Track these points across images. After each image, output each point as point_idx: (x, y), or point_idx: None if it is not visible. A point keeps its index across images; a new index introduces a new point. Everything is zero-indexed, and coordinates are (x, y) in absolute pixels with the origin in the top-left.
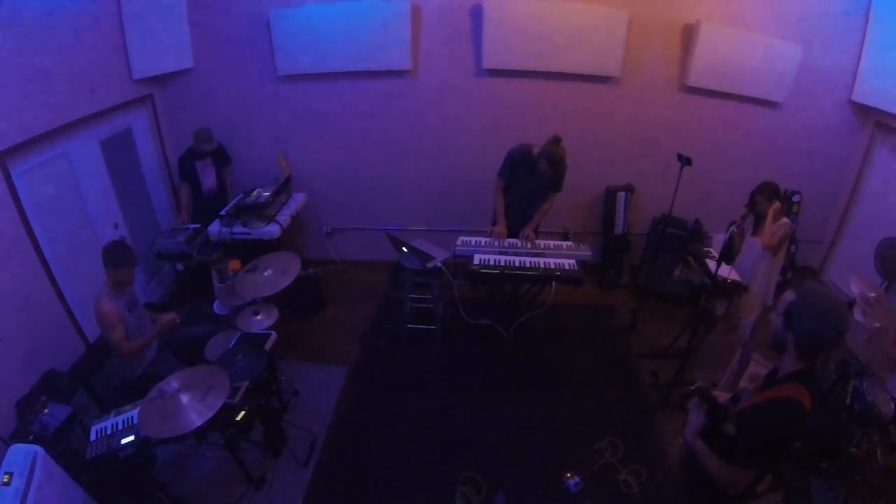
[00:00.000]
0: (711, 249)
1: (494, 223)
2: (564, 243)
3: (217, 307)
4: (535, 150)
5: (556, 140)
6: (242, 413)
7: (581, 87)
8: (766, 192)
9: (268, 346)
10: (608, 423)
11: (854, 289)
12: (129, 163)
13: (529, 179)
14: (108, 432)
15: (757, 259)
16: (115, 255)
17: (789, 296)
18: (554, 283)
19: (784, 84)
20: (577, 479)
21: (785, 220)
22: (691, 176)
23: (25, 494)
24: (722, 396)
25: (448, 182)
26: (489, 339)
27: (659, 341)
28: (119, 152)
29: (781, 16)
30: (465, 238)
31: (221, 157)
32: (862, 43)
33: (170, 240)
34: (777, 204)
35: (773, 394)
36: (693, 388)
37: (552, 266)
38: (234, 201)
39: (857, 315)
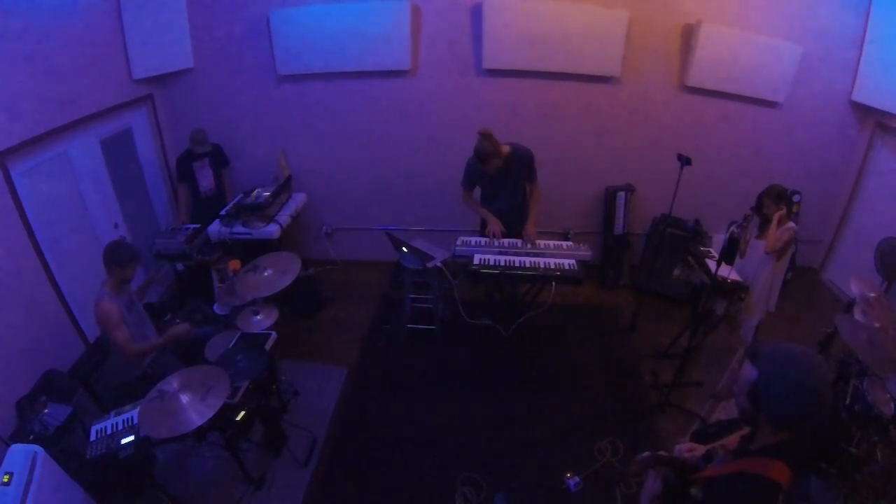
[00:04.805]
0: (711, 249)
1: (484, 226)
2: (564, 243)
3: (217, 307)
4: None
5: (482, 135)
6: (242, 413)
7: (581, 87)
8: (773, 194)
9: (268, 346)
10: (608, 422)
11: (854, 289)
12: (129, 163)
13: (497, 180)
14: (108, 432)
15: (761, 262)
16: (119, 254)
17: (750, 372)
18: (554, 283)
19: (784, 84)
20: (577, 479)
21: (790, 224)
22: (691, 176)
23: (25, 494)
24: (698, 450)
25: (448, 182)
26: (489, 339)
27: (659, 341)
28: (119, 152)
29: (781, 16)
30: (465, 238)
31: (219, 159)
32: (862, 43)
33: (170, 240)
34: (783, 209)
35: (744, 467)
36: (642, 457)
37: (552, 266)
38: (234, 201)
39: (858, 315)
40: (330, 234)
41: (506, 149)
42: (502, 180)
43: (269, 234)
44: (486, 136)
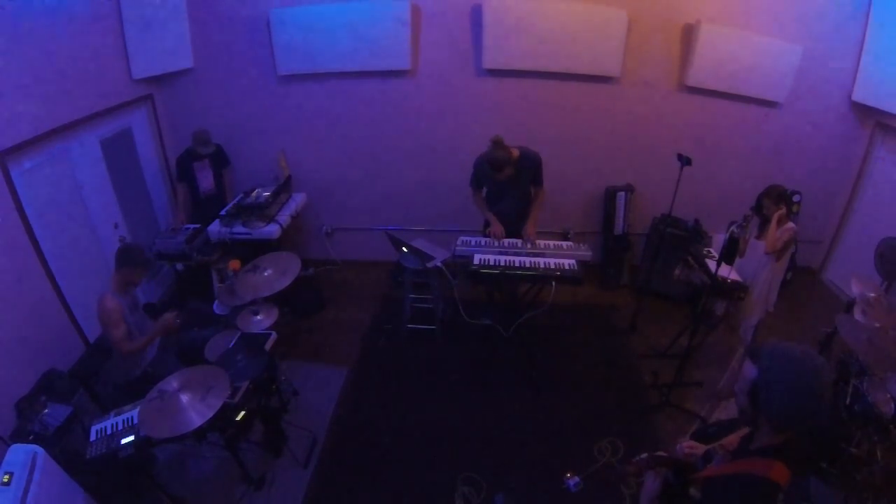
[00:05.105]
0: (711, 249)
1: (486, 226)
2: (564, 243)
3: (217, 307)
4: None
5: (496, 143)
6: (242, 413)
7: (581, 87)
8: (773, 195)
9: (268, 346)
10: (608, 423)
11: (854, 289)
12: (129, 163)
13: (504, 183)
14: (108, 432)
15: (760, 262)
16: (128, 256)
17: (750, 370)
18: (554, 283)
19: (784, 84)
20: (577, 479)
21: (790, 224)
22: (691, 176)
23: (25, 494)
24: (698, 449)
25: (448, 182)
26: (489, 339)
27: (659, 341)
28: (119, 152)
29: (781, 16)
30: (465, 238)
31: (220, 160)
32: (862, 43)
33: (170, 240)
34: (783, 210)
35: (743, 468)
36: (640, 459)
37: (552, 266)
38: (235, 201)
39: (858, 315)
40: (330, 234)
41: (515, 153)
42: (510, 183)
43: (269, 234)
44: (499, 145)
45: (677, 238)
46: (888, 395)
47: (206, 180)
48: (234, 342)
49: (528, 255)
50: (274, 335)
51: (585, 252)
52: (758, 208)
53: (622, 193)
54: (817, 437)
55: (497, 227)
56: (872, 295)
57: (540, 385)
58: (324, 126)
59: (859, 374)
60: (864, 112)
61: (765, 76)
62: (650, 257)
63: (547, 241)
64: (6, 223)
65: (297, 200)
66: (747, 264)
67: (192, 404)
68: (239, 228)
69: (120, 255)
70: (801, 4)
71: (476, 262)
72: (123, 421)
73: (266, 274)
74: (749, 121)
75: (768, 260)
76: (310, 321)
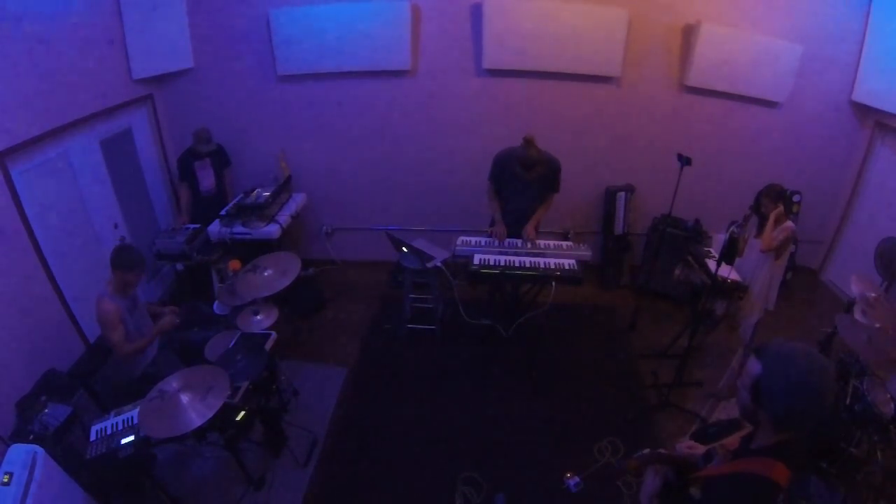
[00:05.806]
0: (711, 249)
1: (492, 225)
2: (564, 243)
3: (217, 307)
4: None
5: (528, 142)
6: (242, 413)
7: (581, 87)
8: (772, 194)
9: (268, 346)
10: (608, 423)
11: (854, 289)
12: (129, 163)
13: (519, 181)
14: (108, 432)
15: (759, 261)
16: (123, 258)
17: (754, 366)
18: (554, 283)
19: (784, 84)
20: (577, 479)
21: (788, 223)
22: (691, 176)
23: (25, 494)
24: (697, 449)
25: (448, 182)
26: (489, 339)
27: (659, 341)
28: (119, 152)
29: (781, 16)
30: (465, 238)
31: (221, 159)
32: (862, 43)
33: (170, 240)
34: (780, 208)
35: (742, 467)
36: (642, 454)
37: (552, 266)
38: (235, 201)
39: (857, 315)
40: (330, 234)
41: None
42: (527, 184)
43: (269, 234)
44: (531, 143)
45: (677, 238)
46: (888, 395)
47: (207, 179)
48: (234, 342)
49: (528, 255)
50: (274, 335)
51: (585, 252)
52: (756, 207)
53: (622, 193)
54: (817, 437)
55: (500, 227)
56: (872, 295)
57: (540, 385)
58: (324, 126)
59: (859, 374)
60: (864, 112)
61: (765, 76)
62: (650, 257)
63: (547, 241)
64: (6, 223)
65: (297, 200)
66: (746, 263)
67: (192, 404)
68: (239, 228)
69: (114, 258)
70: (801, 4)
71: (476, 262)
72: (123, 421)
73: (266, 274)
74: (749, 120)
75: (766, 258)
76: (310, 321)
